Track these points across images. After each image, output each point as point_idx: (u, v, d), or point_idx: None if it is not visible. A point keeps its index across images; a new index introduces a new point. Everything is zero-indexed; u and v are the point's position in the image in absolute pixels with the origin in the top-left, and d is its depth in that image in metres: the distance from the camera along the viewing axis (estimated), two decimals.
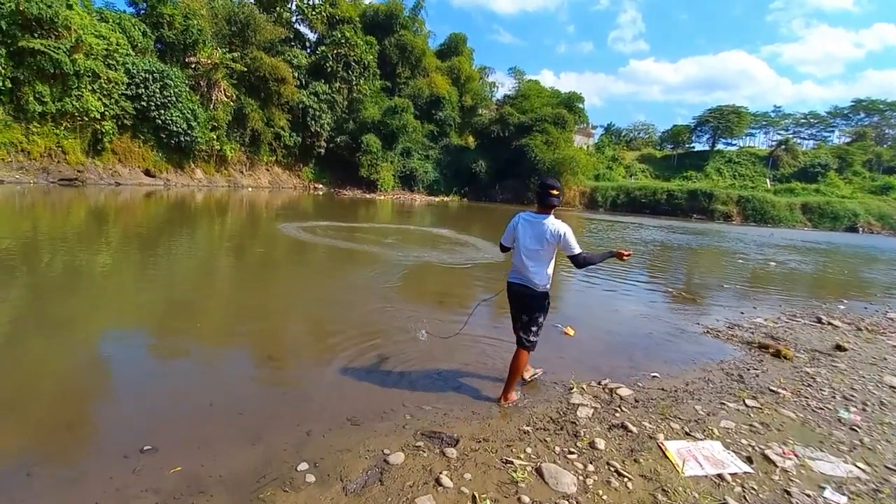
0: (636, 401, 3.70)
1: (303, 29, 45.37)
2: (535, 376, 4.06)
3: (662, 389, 3.99)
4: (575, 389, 3.84)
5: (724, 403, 3.75)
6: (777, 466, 2.81)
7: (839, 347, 5.49)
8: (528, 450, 2.85)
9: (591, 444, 2.94)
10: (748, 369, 4.66)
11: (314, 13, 43.05)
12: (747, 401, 3.83)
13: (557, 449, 2.88)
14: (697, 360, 4.87)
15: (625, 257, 3.51)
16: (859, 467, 2.87)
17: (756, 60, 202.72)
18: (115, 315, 5.20)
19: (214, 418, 3.04)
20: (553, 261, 3.46)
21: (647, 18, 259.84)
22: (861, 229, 45.29)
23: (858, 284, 11.80)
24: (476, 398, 3.60)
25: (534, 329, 3.51)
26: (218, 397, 3.33)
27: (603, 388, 3.91)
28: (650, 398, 3.78)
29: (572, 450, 2.88)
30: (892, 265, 16.98)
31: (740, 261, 14.32)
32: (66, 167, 25.95)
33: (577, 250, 3.29)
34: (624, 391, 3.85)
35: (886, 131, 76.30)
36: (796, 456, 2.95)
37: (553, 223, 3.33)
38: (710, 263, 13.83)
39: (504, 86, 65.78)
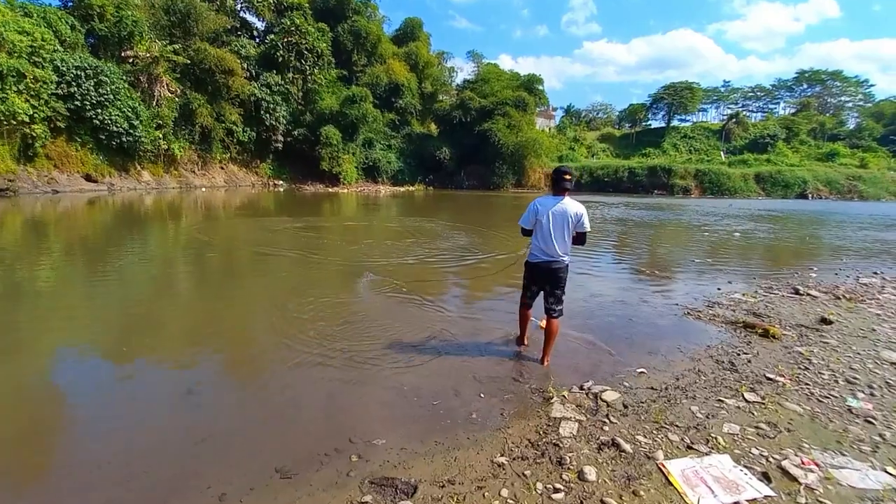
0: (625, 406, 3.21)
1: (249, 17, 43.13)
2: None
3: (652, 388, 3.52)
4: (555, 398, 3.32)
5: (722, 401, 3.31)
6: (800, 483, 2.35)
7: (825, 321, 5.21)
8: (504, 492, 2.29)
9: (581, 475, 2.41)
10: (738, 354, 4.26)
11: (260, 0, 40.87)
12: (746, 395, 3.41)
13: (540, 486, 2.34)
14: (683, 347, 4.45)
15: None
16: (891, 473, 2.46)
17: (703, 38, 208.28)
18: None
19: (95, 488, 2.34)
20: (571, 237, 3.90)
21: (598, 1, 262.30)
22: (811, 195, 47.28)
23: (821, 250, 11.89)
24: (438, 423, 3.01)
25: (563, 298, 4.01)
26: (109, 455, 2.62)
27: (586, 394, 3.40)
28: (640, 401, 3.30)
29: (558, 485, 2.34)
30: (844, 228, 17.44)
31: (706, 233, 14.30)
32: None
33: (589, 228, 3.86)
34: (610, 395, 3.36)
35: (828, 100, 79.86)
36: (817, 466, 2.51)
37: (573, 204, 3.83)
38: (678, 238, 13.73)
39: (463, 70, 65.04)
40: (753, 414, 3.13)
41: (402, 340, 4.40)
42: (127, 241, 10.66)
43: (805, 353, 4.30)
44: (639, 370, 3.85)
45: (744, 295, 6.49)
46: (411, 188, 40.60)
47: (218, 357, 4.15)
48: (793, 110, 77.57)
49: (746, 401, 3.32)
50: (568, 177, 3.83)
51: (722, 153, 59.79)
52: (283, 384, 3.53)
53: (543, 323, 4.85)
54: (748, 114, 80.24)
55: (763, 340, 4.65)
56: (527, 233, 4.07)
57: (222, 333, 4.71)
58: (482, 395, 3.36)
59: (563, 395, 3.36)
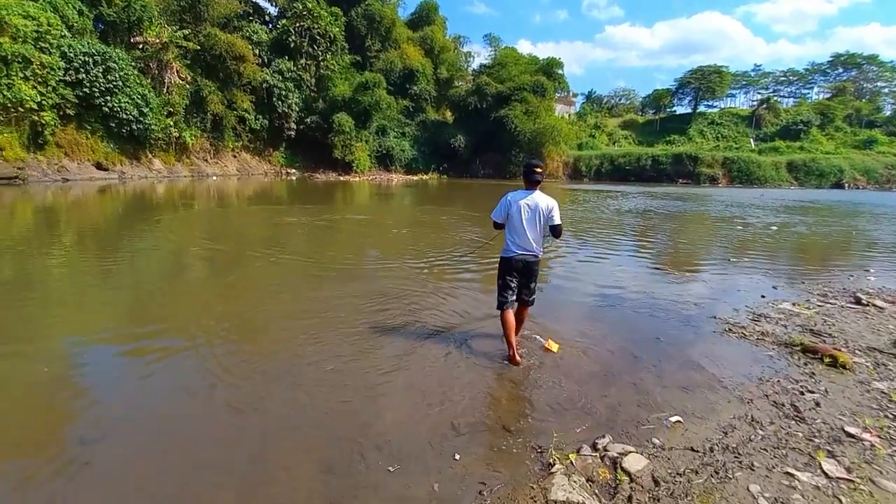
0: (655, 482, 2.32)
1: (262, 2, 42.41)
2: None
3: (692, 449, 2.61)
4: (557, 465, 2.44)
5: (791, 475, 2.38)
6: None
7: None
8: None
9: None
10: (801, 393, 3.31)
11: None
12: (824, 463, 2.47)
13: None
14: (729, 380, 3.51)
15: None
16: None
17: (731, 21, 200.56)
18: None
19: None
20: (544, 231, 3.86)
21: None
22: (847, 185, 44.73)
23: (871, 246, 10.62)
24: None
25: (535, 288, 4.00)
26: None
27: (601, 458, 2.51)
28: (676, 472, 2.40)
29: None
30: (889, 222, 15.93)
31: (739, 227, 13.05)
32: (3, 164, 23.51)
33: (560, 221, 3.82)
34: (634, 461, 2.46)
35: (864, 85, 75.60)
36: None
37: (543, 197, 3.79)
38: (708, 232, 12.53)
39: (480, 56, 62.91)
40: (840, 500, 2.20)
41: (370, 365, 3.57)
42: (109, 237, 10.06)
43: (888, 391, 3.31)
44: (672, 418, 2.93)
45: (795, 305, 5.46)
46: (424, 177, 39.70)
47: (130, 406, 3.38)
48: (828, 95, 73.66)
49: (826, 475, 2.38)
50: (538, 170, 3.81)
51: (752, 140, 57.10)
52: (192, 451, 2.73)
53: (549, 345, 3.99)
54: (780, 99, 76.52)
55: (829, 371, 3.67)
56: (498, 226, 4.01)
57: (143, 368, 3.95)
58: (458, 457, 2.50)
59: (570, 461, 2.48)
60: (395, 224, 12.40)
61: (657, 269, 7.59)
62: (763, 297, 5.81)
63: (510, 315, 3.79)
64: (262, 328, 4.40)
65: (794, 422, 2.92)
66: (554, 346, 3.97)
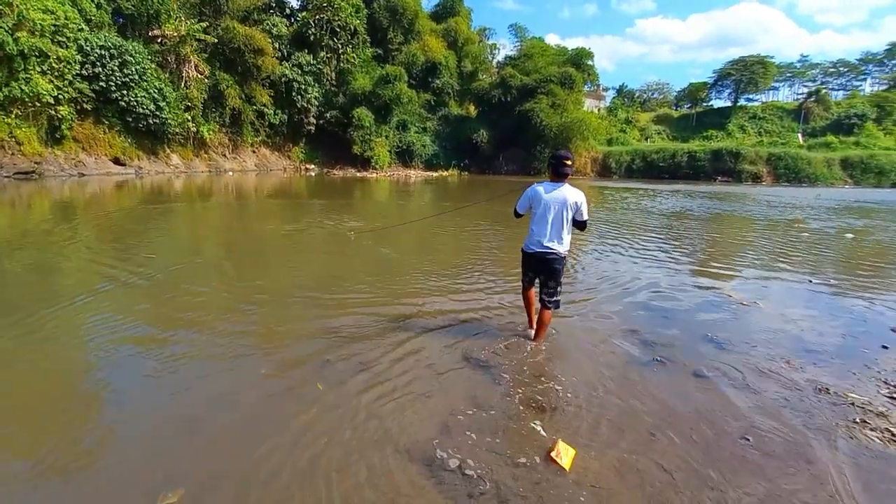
0: None
1: None
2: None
3: None
4: None
5: None
6: None
7: None
8: None
9: None
10: None
11: None
12: None
13: None
14: None
15: None
16: None
17: (772, 11, 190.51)
18: None
19: None
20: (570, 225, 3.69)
21: None
22: None
23: None
24: None
25: (560, 290, 3.79)
26: None
27: None
28: None
29: None
30: None
31: (805, 234, 10.99)
32: (21, 159, 23.26)
33: (587, 217, 3.72)
34: None
35: None
36: None
37: (572, 191, 3.65)
38: (766, 240, 10.50)
39: (505, 48, 60.67)
40: None
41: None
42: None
43: None
44: None
45: None
46: (445, 173, 38.19)
47: None
48: (884, 87, 68.12)
49: None
50: (568, 162, 3.67)
51: (800, 135, 53.18)
52: None
53: (558, 452, 2.43)
54: (828, 92, 71.21)
55: None
56: (519, 216, 3.92)
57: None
58: None
59: None
60: (393, 234, 10.95)
61: (715, 293, 5.84)
62: (885, 347, 4.06)
63: (530, 293, 3.93)
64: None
65: None
66: (565, 457, 2.38)
